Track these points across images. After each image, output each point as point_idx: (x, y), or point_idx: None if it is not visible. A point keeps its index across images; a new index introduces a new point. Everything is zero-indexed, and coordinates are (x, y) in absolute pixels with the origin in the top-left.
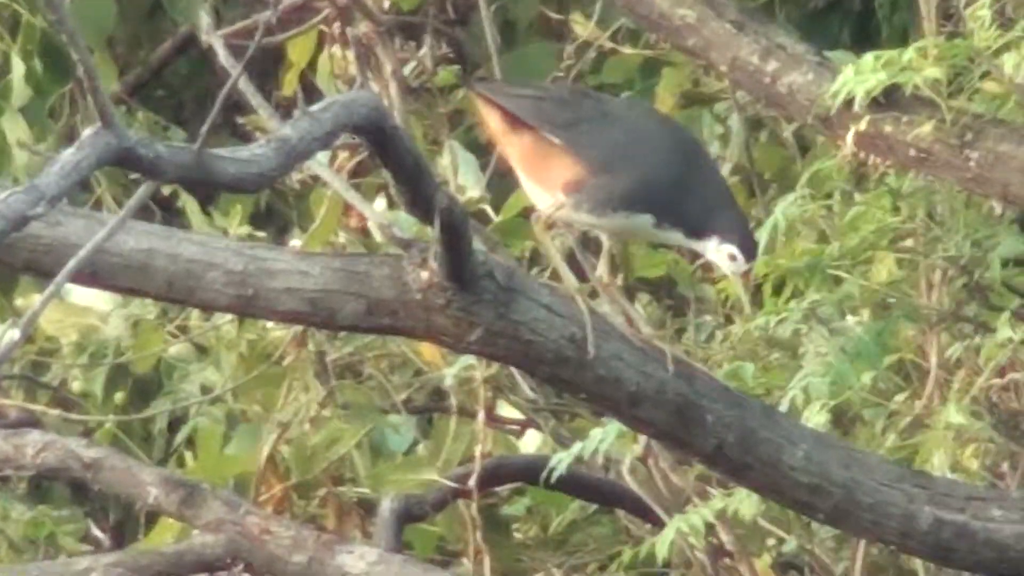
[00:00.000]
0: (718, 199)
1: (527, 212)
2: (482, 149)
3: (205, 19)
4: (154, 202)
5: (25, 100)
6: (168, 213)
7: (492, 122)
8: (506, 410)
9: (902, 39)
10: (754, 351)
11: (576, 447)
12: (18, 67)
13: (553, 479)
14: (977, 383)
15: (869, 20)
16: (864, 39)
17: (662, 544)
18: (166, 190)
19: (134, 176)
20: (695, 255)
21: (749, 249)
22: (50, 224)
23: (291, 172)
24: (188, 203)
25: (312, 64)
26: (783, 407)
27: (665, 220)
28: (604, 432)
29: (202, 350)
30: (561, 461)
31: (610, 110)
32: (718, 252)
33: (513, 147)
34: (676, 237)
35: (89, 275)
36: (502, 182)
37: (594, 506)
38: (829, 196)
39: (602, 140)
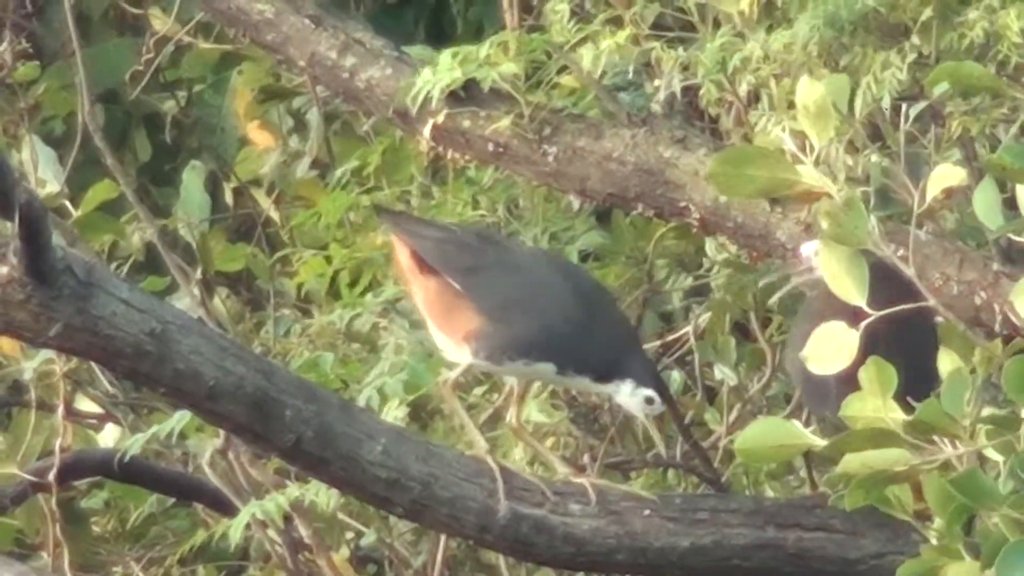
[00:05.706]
0: (625, 344)
1: (105, 206)
2: (60, 143)
3: None
4: None
5: None
6: None
7: (402, 259)
8: (85, 404)
9: (477, 33)
10: (333, 344)
11: (153, 428)
12: None
13: (130, 469)
14: None
15: (443, 14)
16: (439, 33)
17: (235, 529)
18: None
19: None
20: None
21: (664, 392)
22: None
23: None
24: None
25: None
26: (361, 403)
27: (569, 367)
28: (180, 415)
29: None
30: (136, 442)
31: (513, 258)
32: (634, 396)
33: (420, 288)
34: (583, 383)
35: None
36: (81, 177)
37: (172, 500)
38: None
39: (501, 288)
